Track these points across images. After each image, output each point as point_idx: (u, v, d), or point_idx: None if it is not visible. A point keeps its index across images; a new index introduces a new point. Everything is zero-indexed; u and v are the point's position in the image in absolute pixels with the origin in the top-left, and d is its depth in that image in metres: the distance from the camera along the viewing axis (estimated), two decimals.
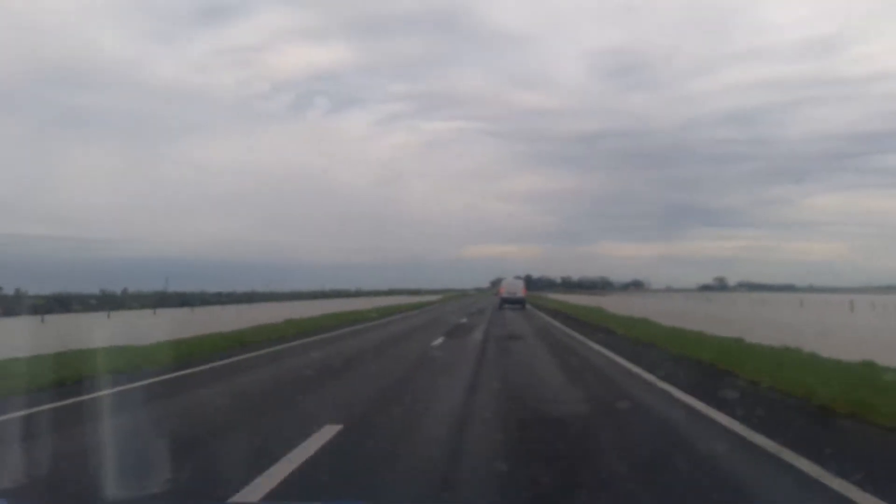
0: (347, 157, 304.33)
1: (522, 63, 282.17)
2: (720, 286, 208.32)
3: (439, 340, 16.76)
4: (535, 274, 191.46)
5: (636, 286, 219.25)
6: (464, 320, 28.53)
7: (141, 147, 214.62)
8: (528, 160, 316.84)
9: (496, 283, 57.17)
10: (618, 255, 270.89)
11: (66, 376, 9.04)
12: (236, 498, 3.75)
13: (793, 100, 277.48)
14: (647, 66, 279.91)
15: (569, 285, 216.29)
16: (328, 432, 5.59)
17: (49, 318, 35.92)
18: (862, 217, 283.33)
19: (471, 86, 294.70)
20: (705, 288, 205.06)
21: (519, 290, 42.51)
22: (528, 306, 42.48)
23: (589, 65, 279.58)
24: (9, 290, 53.18)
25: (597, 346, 14.82)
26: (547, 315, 33.73)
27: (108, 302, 53.28)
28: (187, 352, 12.85)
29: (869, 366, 9.35)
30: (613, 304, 44.32)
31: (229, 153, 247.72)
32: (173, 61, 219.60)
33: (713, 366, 10.38)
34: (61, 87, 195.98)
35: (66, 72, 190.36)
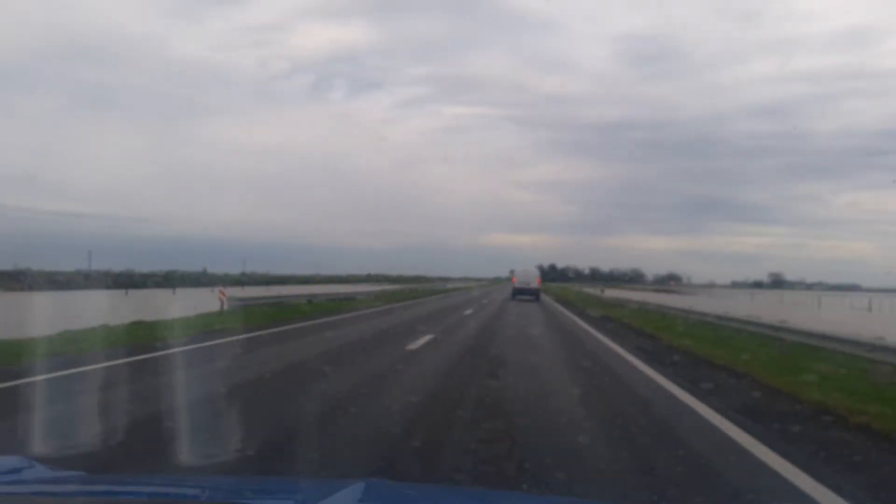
0: (367, 141, 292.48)
1: (546, 48, 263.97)
2: (774, 283, 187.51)
3: None
4: (560, 264, 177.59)
5: (674, 280, 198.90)
6: None
7: (159, 127, 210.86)
8: (551, 148, 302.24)
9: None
10: (644, 247, 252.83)
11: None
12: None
13: (825, 93, 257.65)
14: (674, 53, 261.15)
15: (598, 277, 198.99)
16: None
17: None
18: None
19: (493, 70, 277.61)
20: (757, 285, 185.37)
21: (533, 280, 38.69)
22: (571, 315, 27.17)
23: (614, 51, 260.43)
24: (35, 267, 50.57)
25: None
26: None
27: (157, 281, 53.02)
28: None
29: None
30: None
31: (247, 134, 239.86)
32: (193, 40, 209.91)
33: None
34: (81, 65, 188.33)
35: (86, 50, 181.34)
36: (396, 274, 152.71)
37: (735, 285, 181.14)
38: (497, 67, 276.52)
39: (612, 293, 52.96)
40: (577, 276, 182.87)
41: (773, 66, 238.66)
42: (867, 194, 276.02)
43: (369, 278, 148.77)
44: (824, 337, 11.70)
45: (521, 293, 37.25)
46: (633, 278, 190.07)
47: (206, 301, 23.80)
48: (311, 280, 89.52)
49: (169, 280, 53.62)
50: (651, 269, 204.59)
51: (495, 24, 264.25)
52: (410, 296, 34.89)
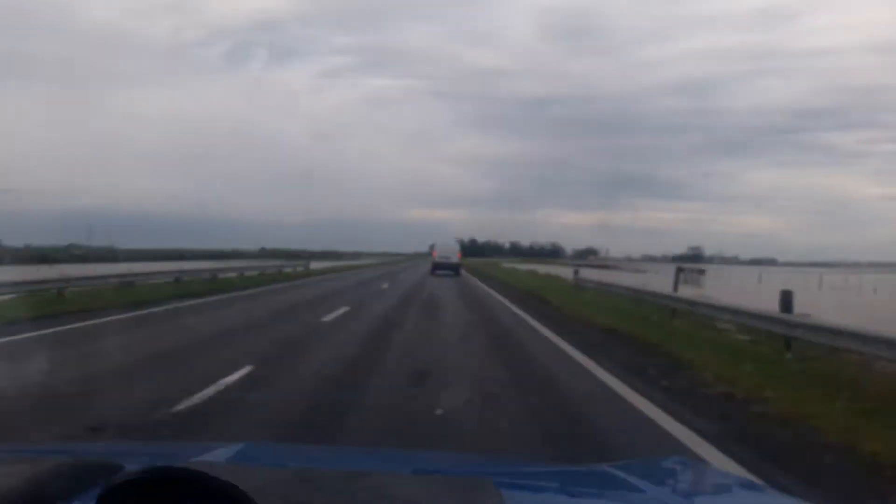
0: (286, 111, 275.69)
1: (472, 21, 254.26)
2: (694, 256, 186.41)
3: None
4: (481, 238, 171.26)
5: (593, 254, 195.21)
6: None
7: (67, 94, 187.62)
8: (474, 122, 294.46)
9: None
10: (563, 221, 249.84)
11: None
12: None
13: (741, 71, 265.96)
14: (597, 29, 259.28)
15: (517, 252, 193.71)
16: None
17: None
18: (802, 192, 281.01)
19: (418, 42, 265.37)
20: (677, 258, 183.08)
21: (453, 254, 37.35)
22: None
23: (539, 25, 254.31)
24: None
25: None
26: None
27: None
28: None
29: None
30: None
31: (161, 102, 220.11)
32: (101, 4, 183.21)
33: None
34: None
35: None
36: (301, 248, 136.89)
37: (646, 258, 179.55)
38: (422, 40, 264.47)
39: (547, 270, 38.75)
40: (498, 251, 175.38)
41: (693, 44, 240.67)
42: (775, 171, 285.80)
43: (262, 253, 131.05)
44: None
45: (441, 268, 35.59)
46: (552, 252, 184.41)
47: None
48: (163, 256, 69.65)
49: None
50: (570, 244, 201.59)
51: None
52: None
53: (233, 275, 23.07)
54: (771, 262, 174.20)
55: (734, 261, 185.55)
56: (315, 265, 48.74)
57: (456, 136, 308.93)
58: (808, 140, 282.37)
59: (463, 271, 39.02)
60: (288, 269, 30.73)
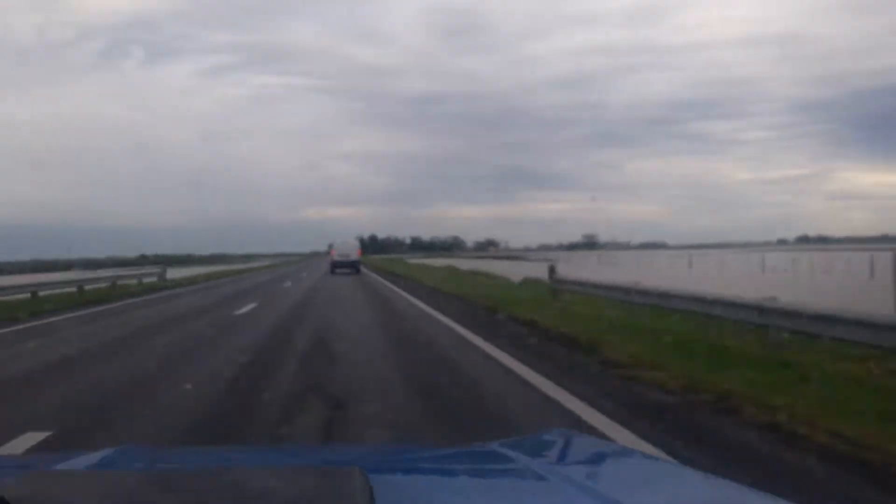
0: (167, 112, 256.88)
1: (358, 18, 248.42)
2: (588, 244, 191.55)
3: None
4: (381, 235, 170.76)
5: (493, 246, 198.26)
6: None
7: None
8: (366, 120, 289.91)
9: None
10: (462, 215, 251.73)
11: None
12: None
13: (620, 66, 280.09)
14: (482, 27, 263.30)
15: (417, 247, 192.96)
16: None
17: None
18: (682, 179, 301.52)
19: (303, 40, 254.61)
20: (573, 247, 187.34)
21: (353, 252, 36.46)
22: None
23: (426, 23, 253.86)
24: None
25: None
26: None
27: None
28: None
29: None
30: None
31: (27, 105, 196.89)
32: None
33: None
34: None
35: None
36: (189, 253, 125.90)
37: (542, 248, 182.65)
38: (308, 37, 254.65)
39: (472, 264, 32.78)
40: (398, 246, 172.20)
41: (574, 41, 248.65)
42: (656, 160, 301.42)
43: (141, 260, 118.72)
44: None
45: (340, 266, 34.67)
46: (453, 245, 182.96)
47: None
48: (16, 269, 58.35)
49: None
50: (469, 236, 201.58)
51: None
52: None
53: (25, 296, 15.29)
54: (662, 246, 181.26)
55: (626, 246, 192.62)
56: (186, 272, 40.26)
57: (349, 134, 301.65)
58: (684, 130, 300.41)
59: (374, 274, 33.75)
60: (133, 281, 22.72)
